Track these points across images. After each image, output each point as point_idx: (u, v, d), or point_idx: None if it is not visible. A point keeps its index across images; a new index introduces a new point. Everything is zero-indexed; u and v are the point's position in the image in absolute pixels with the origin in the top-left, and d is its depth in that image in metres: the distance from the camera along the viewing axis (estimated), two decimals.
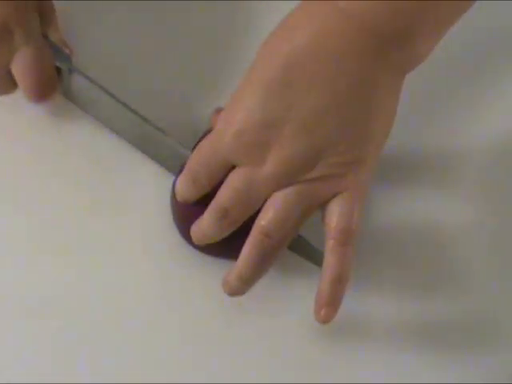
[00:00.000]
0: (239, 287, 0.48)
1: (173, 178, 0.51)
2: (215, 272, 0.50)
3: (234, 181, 0.47)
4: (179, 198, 0.49)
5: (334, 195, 0.46)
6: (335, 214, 0.46)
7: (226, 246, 0.49)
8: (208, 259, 0.51)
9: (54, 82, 0.51)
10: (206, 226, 0.48)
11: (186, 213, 0.50)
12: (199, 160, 0.48)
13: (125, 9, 0.56)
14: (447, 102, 0.56)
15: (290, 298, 0.51)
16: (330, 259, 0.46)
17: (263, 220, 0.46)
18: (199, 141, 0.50)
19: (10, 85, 0.50)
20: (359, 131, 0.45)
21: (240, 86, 0.46)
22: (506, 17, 0.58)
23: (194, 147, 0.50)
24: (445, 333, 0.51)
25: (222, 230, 0.48)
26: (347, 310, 0.48)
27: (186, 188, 0.49)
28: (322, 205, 0.47)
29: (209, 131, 0.50)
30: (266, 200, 0.46)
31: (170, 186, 0.51)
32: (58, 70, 0.51)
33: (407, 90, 0.47)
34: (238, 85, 0.46)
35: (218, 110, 0.50)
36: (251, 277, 0.48)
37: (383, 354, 0.51)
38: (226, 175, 0.47)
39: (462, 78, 0.57)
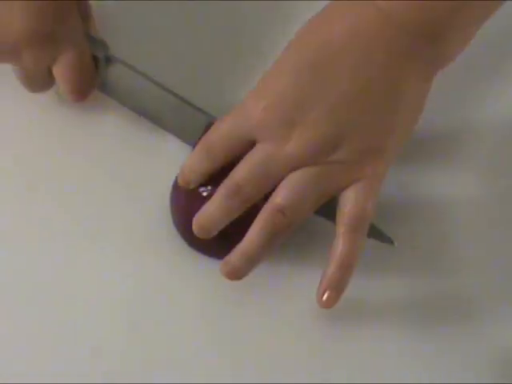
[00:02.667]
0: (242, 266, 0.48)
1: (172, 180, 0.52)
2: (212, 271, 0.51)
3: (253, 156, 0.47)
4: (187, 169, 0.49)
5: (351, 182, 0.47)
6: (350, 200, 0.47)
7: (226, 247, 0.49)
8: (207, 259, 0.51)
9: (93, 80, 0.51)
10: (214, 206, 0.47)
11: (186, 214, 0.50)
12: (219, 132, 0.48)
13: None
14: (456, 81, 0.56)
15: (288, 292, 0.51)
16: (339, 244, 0.47)
17: (279, 197, 0.46)
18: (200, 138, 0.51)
19: (49, 83, 0.51)
20: (383, 122, 0.47)
21: (273, 67, 0.47)
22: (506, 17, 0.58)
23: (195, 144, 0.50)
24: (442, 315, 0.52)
25: (232, 210, 0.47)
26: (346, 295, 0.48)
27: (197, 158, 0.48)
28: (338, 191, 0.47)
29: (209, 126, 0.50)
30: (280, 181, 0.47)
31: (169, 187, 0.52)
32: (95, 60, 0.51)
33: None
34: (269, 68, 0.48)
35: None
36: (257, 254, 0.47)
37: (383, 342, 0.51)
38: (240, 154, 0.47)
39: (472, 60, 0.57)
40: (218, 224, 0.48)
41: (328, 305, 0.47)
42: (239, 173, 0.47)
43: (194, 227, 0.48)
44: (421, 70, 0.47)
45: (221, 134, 0.48)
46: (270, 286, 0.51)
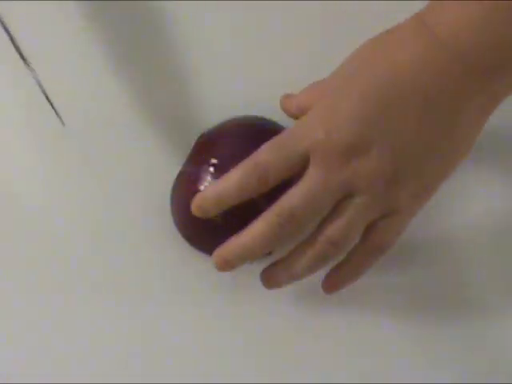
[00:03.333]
0: (287, 282, 0.48)
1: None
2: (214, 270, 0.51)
3: (306, 183, 0.45)
4: (216, 194, 0.46)
5: (387, 213, 0.46)
6: (379, 230, 0.46)
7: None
8: (209, 259, 0.51)
9: None
10: (258, 232, 0.45)
11: (187, 214, 0.49)
12: (275, 148, 0.45)
13: None
14: None
15: (290, 289, 0.51)
16: (356, 262, 0.47)
17: (330, 229, 0.45)
18: (195, 146, 0.50)
19: None
20: (440, 168, 0.46)
21: (338, 87, 0.46)
22: None
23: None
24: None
25: (279, 239, 0.45)
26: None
27: (245, 181, 0.45)
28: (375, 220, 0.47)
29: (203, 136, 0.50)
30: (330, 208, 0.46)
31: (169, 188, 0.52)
32: None
33: None
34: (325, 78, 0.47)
35: (288, 96, 0.49)
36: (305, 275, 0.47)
37: (383, 337, 0.51)
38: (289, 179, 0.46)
39: None
40: (255, 254, 0.46)
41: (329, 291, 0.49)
42: (293, 197, 0.45)
43: (218, 263, 0.47)
44: (483, 104, 0.45)
45: (279, 150, 0.45)
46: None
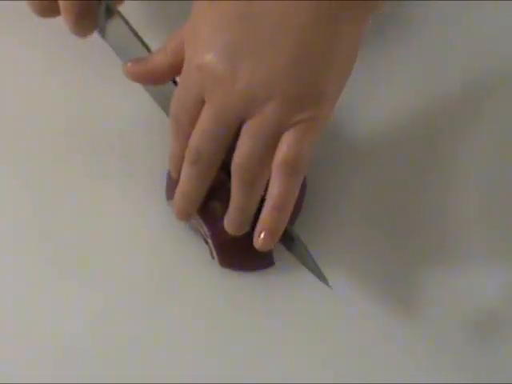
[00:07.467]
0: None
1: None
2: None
3: (202, 120, 0.47)
4: (172, 156, 0.49)
5: (291, 126, 0.46)
6: (286, 142, 0.46)
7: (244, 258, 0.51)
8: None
9: (92, 19, 0.49)
10: (182, 179, 0.48)
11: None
12: (177, 102, 0.48)
13: None
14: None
15: (290, 291, 0.51)
16: (273, 187, 0.47)
17: (238, 157, 0.47)
18: None
19: (54, 12, 0.49)
20: (316, 67, 0.46)
21: (197, 19, 0.46)
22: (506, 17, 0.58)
23: None
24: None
25: (199, 180, 0.48)
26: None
27: (173, 137, 0.48)
28: (280, 136, 0.47)
29: None
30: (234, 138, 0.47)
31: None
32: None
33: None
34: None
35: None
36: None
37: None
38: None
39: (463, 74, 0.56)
40: (193, 198, 0.49)
41: (263, 246, 0.48)
42: (194, 138, 0.47)
43: (176, 214, 0.50)
44: (351, 16, 0.46)
45: (180, 103, 0.48)
46: (271, 287, 0.51)
